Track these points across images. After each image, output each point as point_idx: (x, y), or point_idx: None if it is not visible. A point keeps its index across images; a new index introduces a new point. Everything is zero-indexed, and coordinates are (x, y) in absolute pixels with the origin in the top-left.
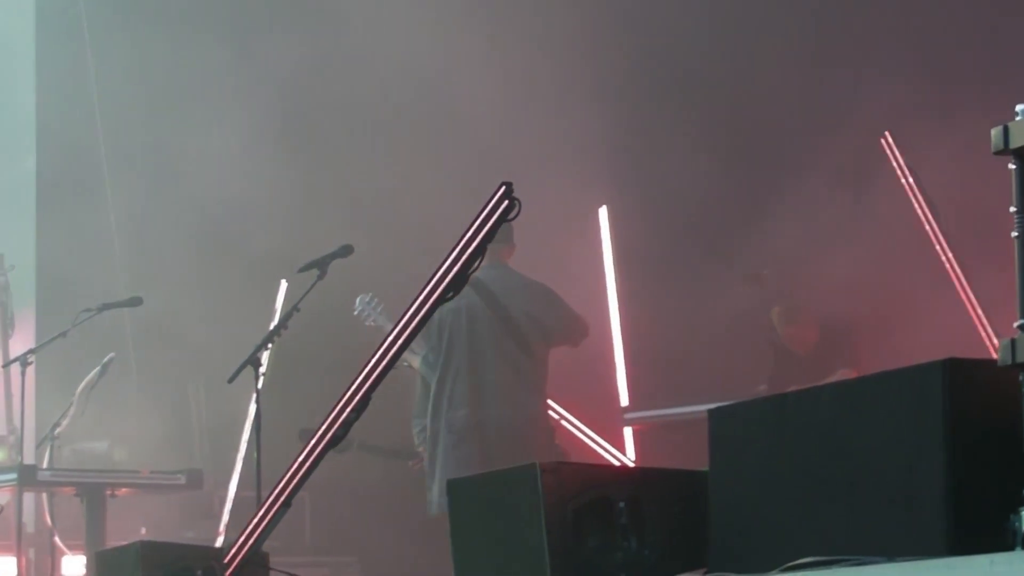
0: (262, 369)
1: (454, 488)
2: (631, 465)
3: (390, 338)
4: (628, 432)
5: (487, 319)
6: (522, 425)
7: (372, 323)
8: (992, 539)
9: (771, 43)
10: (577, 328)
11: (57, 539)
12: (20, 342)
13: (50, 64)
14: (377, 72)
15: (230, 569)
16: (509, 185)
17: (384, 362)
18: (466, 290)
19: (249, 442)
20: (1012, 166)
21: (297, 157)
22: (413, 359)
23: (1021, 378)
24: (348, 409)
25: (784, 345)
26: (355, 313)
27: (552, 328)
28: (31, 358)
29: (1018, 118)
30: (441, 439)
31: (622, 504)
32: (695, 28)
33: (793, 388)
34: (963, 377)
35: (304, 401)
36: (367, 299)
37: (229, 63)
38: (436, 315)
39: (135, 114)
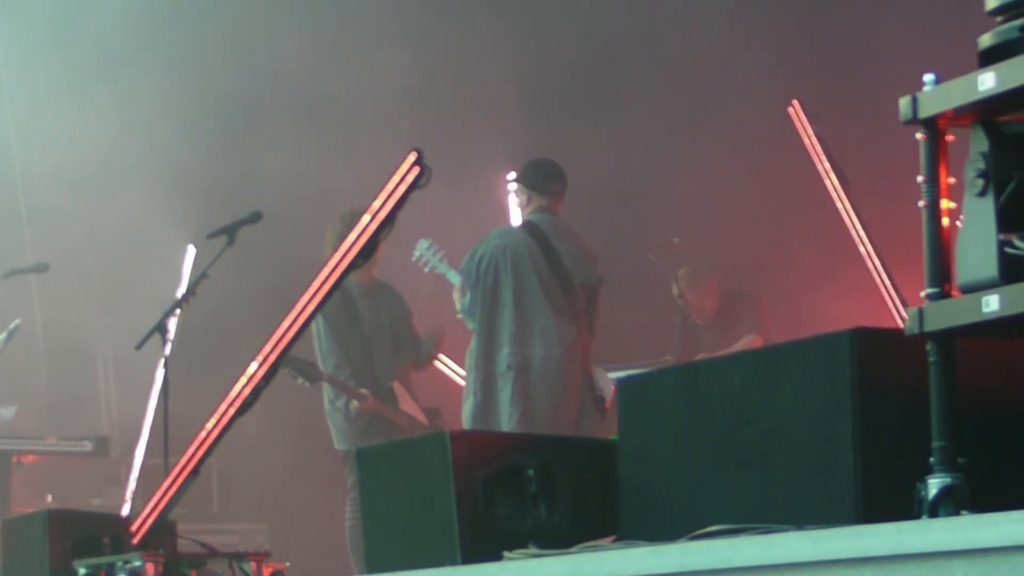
0: (169, 336)
1: (364, 455)
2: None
3: (300, 305)
4: None
5: (531, 258)
6: (561, 364)
7: (429, 270)
8: (901, 507)
9: (673, 9)
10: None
11: None
12: None
13: None
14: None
15: (137, 536)
16: (420, 152)
17: (294, 328)
18: (514, 230)
19: (156, 409)
20: (920, 136)
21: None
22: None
23: (928, 347)
24: (258, 375)
25: (687, 313)
26: (413, 259)
27: (593, 279)
28: None
29: (926, 88)
30: (495, 378)
31: (532, 472)
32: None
33: (699, 356)
34: (871, 346)
35: (213, 367)
36: (426, 245)
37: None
38: (480, 250)
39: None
